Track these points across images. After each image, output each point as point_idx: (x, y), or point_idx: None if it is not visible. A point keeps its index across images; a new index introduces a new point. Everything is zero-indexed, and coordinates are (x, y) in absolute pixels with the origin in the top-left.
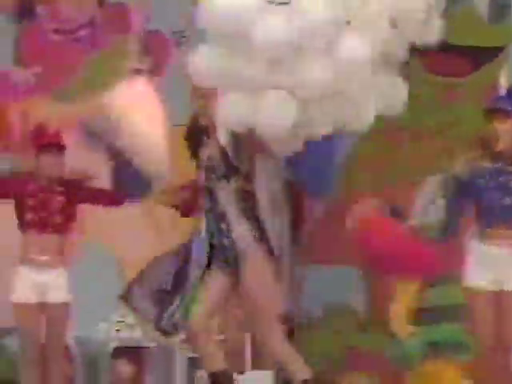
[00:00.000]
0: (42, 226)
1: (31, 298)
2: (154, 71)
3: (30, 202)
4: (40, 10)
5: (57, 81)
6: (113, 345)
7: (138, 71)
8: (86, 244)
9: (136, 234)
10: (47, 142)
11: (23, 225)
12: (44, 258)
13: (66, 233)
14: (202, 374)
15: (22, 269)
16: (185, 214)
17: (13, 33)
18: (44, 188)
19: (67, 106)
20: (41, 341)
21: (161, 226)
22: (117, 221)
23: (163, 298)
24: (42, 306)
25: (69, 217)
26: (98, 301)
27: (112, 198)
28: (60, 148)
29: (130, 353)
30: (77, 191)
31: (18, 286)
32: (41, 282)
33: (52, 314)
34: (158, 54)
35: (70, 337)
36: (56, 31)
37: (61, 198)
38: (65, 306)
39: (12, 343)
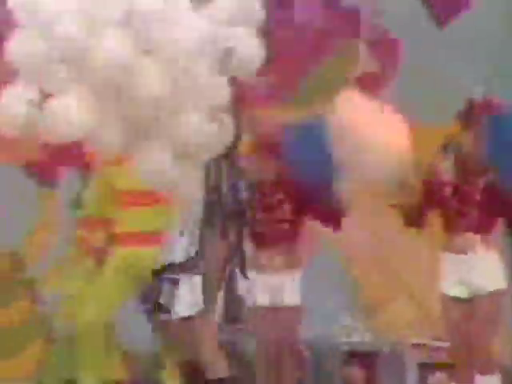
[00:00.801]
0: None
1: (265, 301)
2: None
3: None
4: None
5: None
6: (344, 349)
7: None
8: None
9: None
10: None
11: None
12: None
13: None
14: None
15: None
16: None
17: None
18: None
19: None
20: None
21: None
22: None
23: None
24: (275, 309)
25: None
26: (328, 303)
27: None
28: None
29: (362, 357)
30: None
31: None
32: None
33: (284, 317)
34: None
35: (302, 340)
36: None
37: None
38: (297, 309)
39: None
